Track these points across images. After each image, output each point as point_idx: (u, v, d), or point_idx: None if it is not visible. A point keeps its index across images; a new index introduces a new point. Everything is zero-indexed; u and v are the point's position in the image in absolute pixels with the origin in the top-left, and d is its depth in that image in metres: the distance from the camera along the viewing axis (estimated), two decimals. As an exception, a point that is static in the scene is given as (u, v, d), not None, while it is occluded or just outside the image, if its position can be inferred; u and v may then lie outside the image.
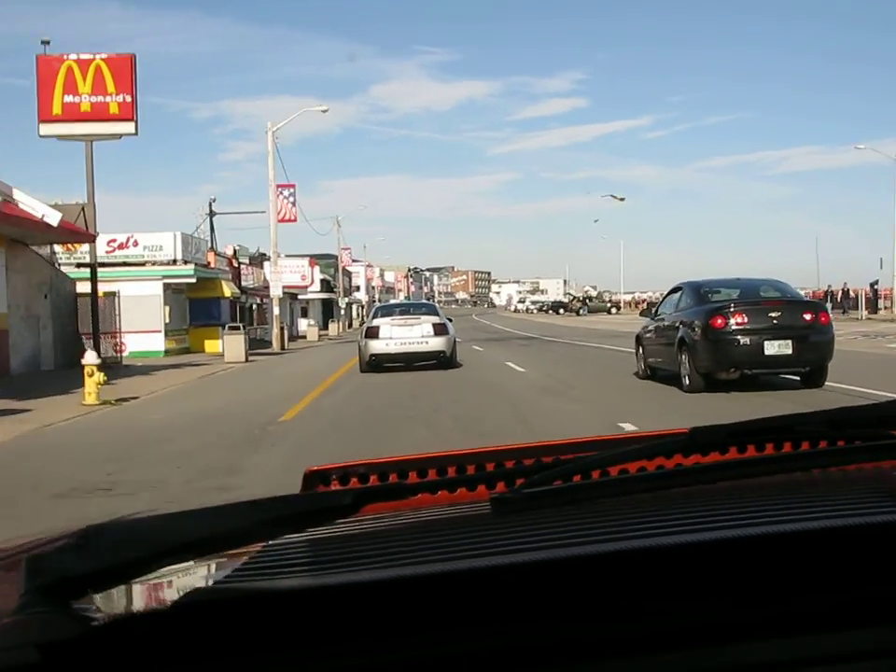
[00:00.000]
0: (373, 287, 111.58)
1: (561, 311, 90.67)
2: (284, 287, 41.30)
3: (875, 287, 44.67)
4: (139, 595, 0.82)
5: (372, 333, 18.22)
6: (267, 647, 0.70)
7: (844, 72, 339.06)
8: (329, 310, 66.81)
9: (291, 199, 39.60)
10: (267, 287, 42.51)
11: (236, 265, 42.85)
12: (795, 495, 1.05)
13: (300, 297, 58.85)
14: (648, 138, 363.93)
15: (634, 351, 15.25)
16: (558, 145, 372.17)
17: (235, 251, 43.97)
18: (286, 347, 32.97)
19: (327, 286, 68.57)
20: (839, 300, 44.52)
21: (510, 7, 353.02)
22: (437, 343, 18.12)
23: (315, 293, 63.81)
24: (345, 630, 0.72)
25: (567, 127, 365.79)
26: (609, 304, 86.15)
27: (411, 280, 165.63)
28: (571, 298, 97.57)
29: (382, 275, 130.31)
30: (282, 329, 33.81)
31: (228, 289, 37.69)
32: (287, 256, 48.99)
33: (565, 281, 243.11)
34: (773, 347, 11.58)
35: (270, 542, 0.95)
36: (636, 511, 0.99)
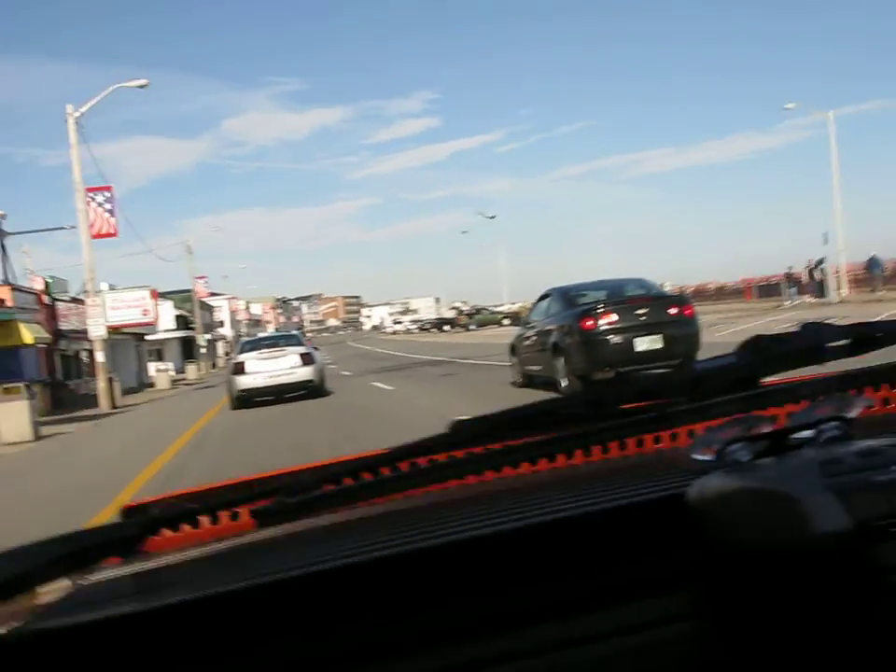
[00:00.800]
0: (239, 321, 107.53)
1: (446, 327, 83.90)
2: (118, 326, 36.26)
3: (822, 265, 37.81)
4: None
5: (239, 369, 18.33)
6: None
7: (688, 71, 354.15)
8: (188, 350, 61.00)
9: (108, 206, 29.15)
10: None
11: (48, 302, 33.82)
12: (568, 485, 1.09)
13: (148, 337, 51.42)
14: (502, 151, 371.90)
15: (509, 360, 15.47)
16: (415, 165, 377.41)
17: (47, 284, 35.21)
18: (117, 406, 26.11)
19: (184, 322, 63.70)
20: (804, 280, 38.46)
21: (352, 34, 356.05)
22: (305, 373, 18.33)
23: (169, 332, 58.78)
24: (156, 654, 0.76)
25: (423, 146, 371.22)
26: (500, 315, 75.21)
27: (279, 311, 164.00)
28: (458, 312, 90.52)
29: (248, 308, 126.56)
30: (110, 380, 26.56)
31: (29, 334, 29.05)
32: (122, 289, 41.42)
33: (436, 299, 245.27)
34: (643, 343, 11.90)
35: (72, 578, 0.94)
36: (400, 517, 1.06)
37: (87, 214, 28.06)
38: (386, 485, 0.97)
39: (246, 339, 25.51)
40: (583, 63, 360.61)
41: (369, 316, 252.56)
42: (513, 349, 15.15)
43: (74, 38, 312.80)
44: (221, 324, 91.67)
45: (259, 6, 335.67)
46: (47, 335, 30.92)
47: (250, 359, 18.34)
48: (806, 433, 0.90)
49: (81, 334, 32.42)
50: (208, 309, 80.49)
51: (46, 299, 33.62)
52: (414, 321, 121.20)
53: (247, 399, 17.94)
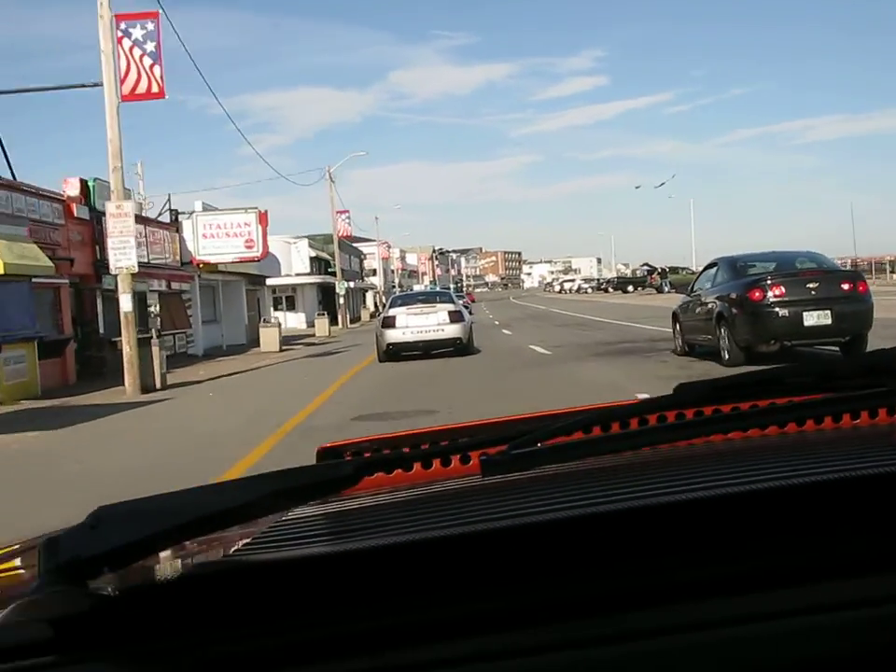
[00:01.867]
0: (392, 271, 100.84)
1: (630, 288, 76.46)
2: (211, 262, 29.05)
3: None
4: (153, 571, 0.86)
5: (389, 323, 18.94)
6: (278, 614, 0.75)
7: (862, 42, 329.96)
8: (330, 299, 53.05)
9: (150, 47, 16.98)
10: (193, 264, 28.88)
11: (85, 216, 21.76)
12: (787, 452, 1.09)
13: (271, 281, 41.60)
14: (670, 113, 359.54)
15: (671, 329, 15.64)
16: (581, 123, 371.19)
17: (87, 189, 22.09)
18: (157, 386, 16.51)
19: (324, 267, 56.48)
20: None
21: None
22: (453, 331, 18.82)
23: (301, 276, 51.57)
24: (351, 597, 0.76)
25: (589, 105, 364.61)
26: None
27: (436, 262, 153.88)
28: (649, 270, 79.42)
29: (403, 258, 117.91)
30: (147, 338, 16.98)
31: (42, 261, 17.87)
32: (219, 211, 30.80)
33: (598, 259, 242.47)
34: (812, 318, 11.88)
35: (276, 515, 1.00)
36: (624, 473, 1.07)
37: (114, 57, 17.02)
38: (613, 442, 0.94)
39: (398, 293, 26.67)
40: (757, 17, 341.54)
41: (529, 274, 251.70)
42: (676, 317, 15.28)
43: None
44: (373, 272, 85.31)
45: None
46: (49, 264, 18.36)
47: (400, 314, 18.93)
48: None
49: (157, 269, 25.96)
50: (356, 254, 73.61)
51: (77, 210, 21.47)
52: (587, 279, 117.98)
53: (394, 353, 18.66)
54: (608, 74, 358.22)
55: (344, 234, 49.30)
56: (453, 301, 20.20)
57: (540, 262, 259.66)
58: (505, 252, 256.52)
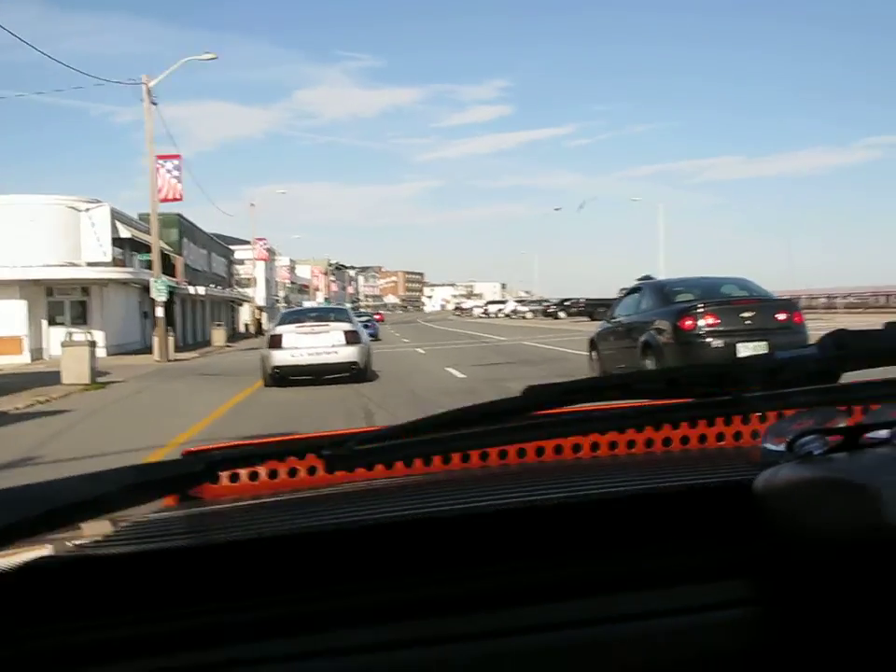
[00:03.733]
0: (278, 283, 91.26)
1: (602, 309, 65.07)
2: None
3: None
4: (15, 558, 0.84)
5: (275, 342, 16.97)
6: (125, 607, 0.78)
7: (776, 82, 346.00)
8: (167, 314, 33.57)
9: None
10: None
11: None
12: (633, 464, 1.16)
13: (21, 273, 30.20)
14: (571, 146, 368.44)
15: (588, 355, 14.84)
16: (484, 152, 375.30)
17: None
18: None
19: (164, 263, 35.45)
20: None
21: (430, 15, 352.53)
22: (348, 354, 16.97)
23: (103, 269, 33.14)
24: (193, 592, 0.79)
25: (492, 134, 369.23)
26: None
27: (332, 278, 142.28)
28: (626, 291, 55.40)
29: (293, 269, 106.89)
30: None
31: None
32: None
33: (503, 285, 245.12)
34: (747, 349, 11.11)
35: (132, 510, 0.99)
36: (470, 481, 1.09)
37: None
38: (452, 443, 0.98)
39: (288, 310, 24.29)
40: (660, 63, 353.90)
41: (430, 297, 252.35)
42: (593, 344, 14.48)
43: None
44: (252, 282, 73.00)
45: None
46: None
47: (289, 333, 16.95)
48: (882, 433, 0.90)
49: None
50: (220, 252, 61.65)
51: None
52: (523, 300, 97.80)
53: (281, 378, 16.72)
54: (511, 104, 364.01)
55: (173, 197, 31.92)
56: (349, 320, 18.31)
57: (443, 285, 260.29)
58: (406, 272, 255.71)
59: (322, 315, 18.82)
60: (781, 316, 11.57)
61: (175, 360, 28.93)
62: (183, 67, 30.82)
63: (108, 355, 30.99)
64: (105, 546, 0.91)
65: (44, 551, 0.89)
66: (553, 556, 0.84)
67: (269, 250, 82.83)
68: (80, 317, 33.37)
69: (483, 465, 1.24)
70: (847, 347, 0.97)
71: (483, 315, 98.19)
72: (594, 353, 14.41)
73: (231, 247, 68.91)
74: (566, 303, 69.14)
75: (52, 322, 32.57)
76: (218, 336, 43.03)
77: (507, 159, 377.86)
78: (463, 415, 0.97)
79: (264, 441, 1.33)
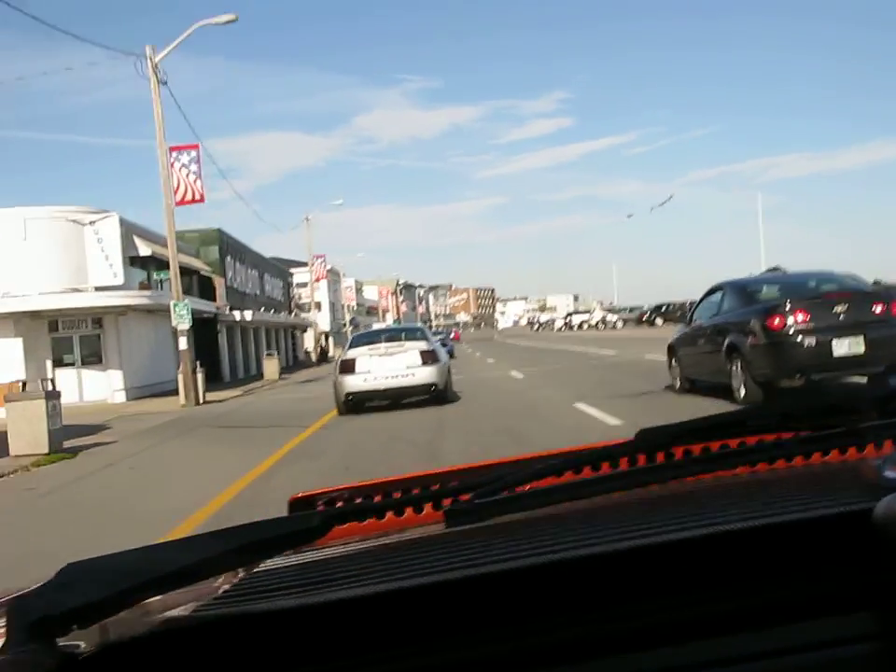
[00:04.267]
0: (345, 307, 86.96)
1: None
2: None
3: None
4: (122, 628, 0.83)
5: (348, 367, 15.96)
6: (250, 669, 0.78)
7: (835, 74, 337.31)
8: (207, 345, 34.38)
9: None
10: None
11: None
12: (745, 495, 1.11)
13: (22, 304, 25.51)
14: (632, 154, 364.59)
15: (666, 362, 14.16)
16: (544, 165, 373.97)
17: None
18: None
19: (200, 287, 37.91)
20: None
21: (488, 33, 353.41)
22: (426, 375, 15.84)
23: (115, 294, 27.11)
24: (326, 648, 0.79)
25: (553, 147, 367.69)
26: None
27: (400, 298, 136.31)
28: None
29: (359, 290, 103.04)
30: None
31: None
32: None
33: (575, 297, 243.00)
34: (842, 346, 10.38)
35: (246, 569, 1.01)
36: (585, 518, 1.07)
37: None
38: (571, 490, 1.00)
39: (360, 332, 23.05)
40: (718, 69, 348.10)
41: (503, 312, 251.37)
42: (672, 350, 13.80)
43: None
44: (317, 306, 69.64)
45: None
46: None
47: (361, 356, 15.95)
48: None
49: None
50: (276, 273, 57.61)
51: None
52: (611, 309, 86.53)
53: (356, 405, 15.76)
54: (569, 115, 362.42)
55: (192, 198, 24.99)
56: (426, 338, 17.04)
57: (515, 300, 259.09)
58: (477, 289, 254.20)
59: (396, 336, 17.77)
60: (878, 309, 10.74)
61: (208, 403, 24.07)
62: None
63: (129, 399, 27.04)
64: (219, 606, 0.90)
65: (163, 614, 0.89)
66: (679, 594, 0.83)
67: (331, 271, 77.54)
68: (94, 355, 27.86)
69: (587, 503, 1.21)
70: None
71: (566, 328, 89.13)
72: (673, 359, 13.76)
73: (292, 270, 64.78)
74: (663, 308, 64.69)
75: (59, 363, 27.13)
76: (271, 367, 37.29)
77: (568, 171, 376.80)
78: (576, 461, 1.00)
79: (376, 483, 1.34)
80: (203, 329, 34.35)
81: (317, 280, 58.77)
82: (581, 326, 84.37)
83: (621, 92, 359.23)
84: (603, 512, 1.12)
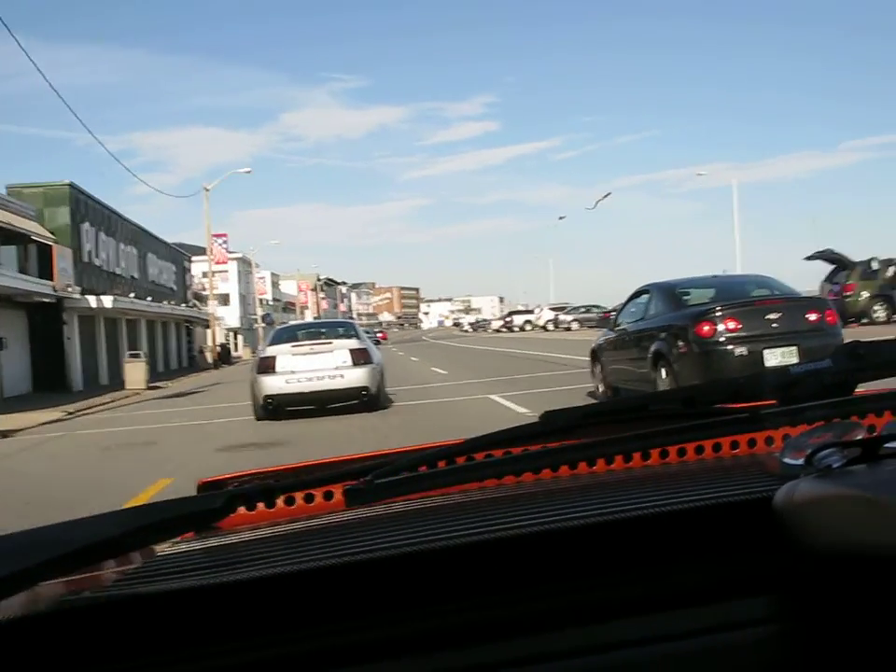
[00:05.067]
0: (256, 301, 77.67)
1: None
2: None
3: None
4: (17, 609, 0.83)
5: (267, 366, 14.02)
6: (149, 649, 0.79)
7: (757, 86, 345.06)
8: (46, 341, 28.11)
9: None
10: None
11: None
12: (654, 483, 1.15)
13: None
14: (558, 159, 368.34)
15: (590, 368, 13.56)
16: (470, 168, 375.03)
17: None
18: None
19: (41, 264, 27.94)
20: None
21: (418, 34, 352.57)
22: (357, 377, 13.98)
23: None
24: (223, 630, 0.80)
25: (479, 150, 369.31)
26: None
27: (322, 295, 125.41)
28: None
29: (276, 284, 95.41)
30: None
31: None
32: None
33: (500, 298, 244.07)
34: (775, 356, 9.80)
35: (151, 548, 1.03)
36: (486, 503, 1.11)
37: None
38: (473, 471, 1.03)
39: (281, 326, 20.24)
40: (645, 72, 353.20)
41: (426, 313, 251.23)
42: (595, 356, 13.18)
43: (130, 23, 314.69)
44: (223, 299, 62.77)
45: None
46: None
47: (283, 354, 14.10)
48: None
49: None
50: (167, 256, 46.57)
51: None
52: (565, 309, 66.57)
53: (275, 410, 13.85)
54: (496, 119, 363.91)
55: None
56: (356, 336, 15.07)
57: (439, 301, 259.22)
58: (402, 288, 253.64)
59: (323, 332, 15.92)
60: (812, 317, 10.23)
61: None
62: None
63: None
64: (122, 587, 0.91)
65: (61, 594, 0.88)
66: (575, 579, 0.85)
67: (242, 260, 71.49)
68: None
69: (499, 484, 1.24)
70: (862, 359, 1.02)
71: (505, 329, 77.79)
72: (596, 366, 13.15)
73: (194, 258, 54.61)
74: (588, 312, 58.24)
75: None
76: (135, 374, 28.21)
77: (494, 174, 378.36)
78: (481, 443, 1.02)
79: (283, 468, 1.37)
80: (42, 318, 27.94)
81: (218, 263, 51.61)
82: (523, 327, 73.76)
83: (548, 97, 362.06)
84: (508, 498, 1.14)
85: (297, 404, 13.92)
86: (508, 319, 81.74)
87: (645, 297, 11.87)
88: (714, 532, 0.87)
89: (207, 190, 45.42)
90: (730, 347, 9.89)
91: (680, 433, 1.06)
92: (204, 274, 53.67)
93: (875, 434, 0.92)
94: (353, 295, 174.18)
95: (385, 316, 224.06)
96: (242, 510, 1.22)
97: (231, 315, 66.33)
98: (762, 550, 0.85)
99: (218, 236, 52.33)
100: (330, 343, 14.55)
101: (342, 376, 13.95)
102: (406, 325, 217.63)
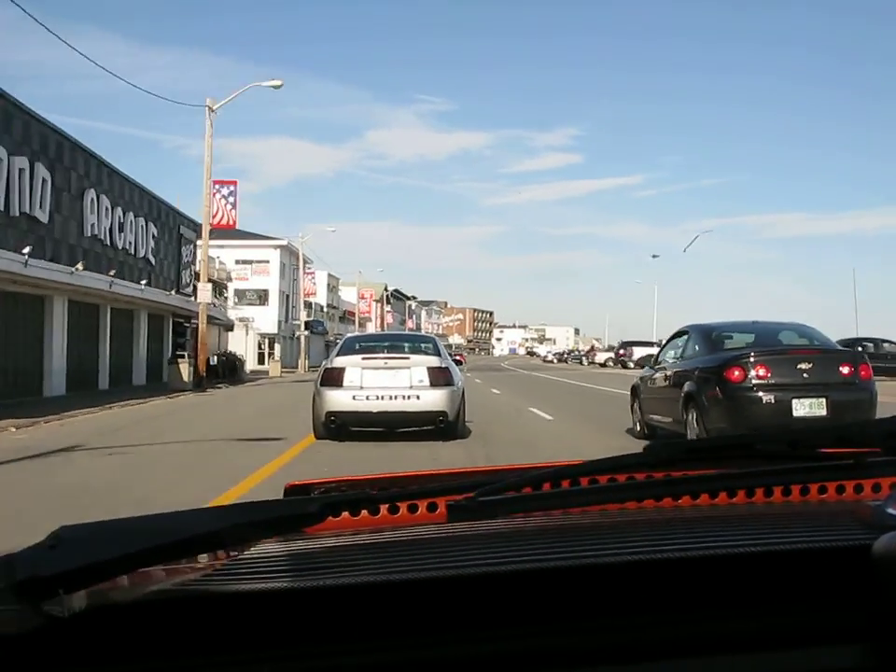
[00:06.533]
0: (302, 302, 58.64)
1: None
2: None
3: None
4: (109, 596, 0.86)
5: (333, 378, 12.77)
6: (234, 646, 0.81)
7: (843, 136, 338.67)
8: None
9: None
10: None
11: None
12: (755, 521, 1.19)
13: None
14: (639, 196, 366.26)
15: (629, 404, 13.97)
16: (550, 199, 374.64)
17: None
18: None
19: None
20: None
21: (509, 61, 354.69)
22: (434, 399, 12.60)
23: None
24: (309, 634, 0.82)
25: (560, 181, 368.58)
26: None
27: (388, 307, 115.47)
28: None
29: (333, 289, 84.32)
30: None
31: None
32: None
33: (576, 330, 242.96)
34: (803, 407, 10.14)
35: (240, 547, 1.04)
36: (588, 529, 1.13)
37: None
38: (578, 496, 1.04)
39: (352, 335, 18.73)
40: (728, 122, 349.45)
41: (499, 339, 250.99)
42: (635, 392, 13.57)
43: (223, 32, 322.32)
44: (262, 298, 55.12)
45: (415, 19, 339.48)
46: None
47: (352, 367, 12.79)
48: None
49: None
50: (162, 224, 33.58)
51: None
52: None
53: (339, 429, 12.69)
54: (581, 152, 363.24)
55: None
56: (438, 353, 13.71)
57: (513, 327, 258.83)
58: (475, 310, 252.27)
59: (400, 345, 14.69)
60: (845, 370, 10.51)
61: None
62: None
63: None
64: (209, 583, 0.94)
65: (152, 585, 0.92)
66: (667, 613, 0.85)
67: (288, 249, 56.16)
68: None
69: (601, 510, 1.24)
70: None
71: (613, 364, 64.15)
72: (636, 402, 13.56)
73: (223, 241, 43.00)
74: None
75: None
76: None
77: (574, 206, 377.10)
78: (586, 468, 1.03)
79: (374, 478, 1.39)
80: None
81: (219, 227, 33.42)
82: (642, 363, 51.41)
83: (632, 135, 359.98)
84: (609, 526, 1.16)
85: (364, 424, 12.84)
86: (622, 352, 63.08)
87: (684, 338, 12.27)
88: (811, 576, 0.88)
89: (212, 110, 30.64)
90: (759, 394, 10.21)
91: (783, 475, 1.07)
92: (236, 262, 46.82)
93: None
94: (423, 312, 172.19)
95: (456, 339, 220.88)
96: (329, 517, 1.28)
97: (266, 319, 54.84)
98: (859, 598, 0.86)
99: (223, 184, 33.20)
100: (408, 358, 13.23)
101: (417, 397, 12.63)
102: (477, 349, 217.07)
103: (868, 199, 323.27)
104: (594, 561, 0.89)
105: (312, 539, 1.17)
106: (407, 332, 33.90)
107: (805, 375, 10.35)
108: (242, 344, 46.21)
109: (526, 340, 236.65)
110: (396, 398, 12.62)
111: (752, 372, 10.33)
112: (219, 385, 32.57)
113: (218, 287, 44.35)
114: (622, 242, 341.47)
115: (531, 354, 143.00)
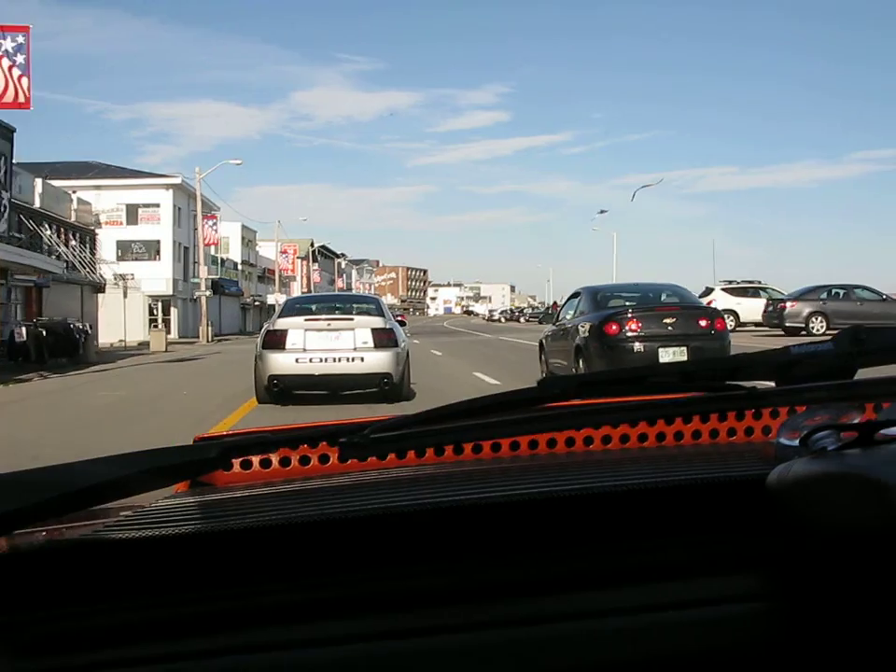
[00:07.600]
0: (202, 255, 48.52)
1: None
2: None
3: None
4: (18, 544, 0.91)
5: (275, 341, 12.86)
6: (142, 591, 0.84)
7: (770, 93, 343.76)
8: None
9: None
10: None
11: None
12: (650, 459, 1.29)
13: None
14: (568, 153, 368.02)
15: (538, 356, 16.40)
16: (479, 158, 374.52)
17: None
18: None
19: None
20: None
21: (432, 20, 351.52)
22: (378, 361, 12.70)
23: None
24: (216, 576, 0.86)
25: (488, 140, 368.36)
26: None
27: (316, 266, 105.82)
28: None
29: (248, 243, 74.92)
30: None
31: None
32: None
33: (512, 287, 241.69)
34: (667, 354, 12.58)
35: (144, 498, 1.09)
36: (486, 470, 1.23)
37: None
38: (464, 433, 1.02)
39: (295, 297, 18.20)
40: (657, 61, 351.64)
41: (433, 298, 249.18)
42: (542, 346, 16.02)
43: None
44: (149, 249, 46.14)
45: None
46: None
47: (295, 328, 12.88)
48: None
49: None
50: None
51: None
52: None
53: (281, 393, 12.75)
54: (508, 110, 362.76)
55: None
56: (381, 314, 13.72)
57: (448, 285, 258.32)
58: (408, 268, 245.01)
59: (343, 306, 14.78)
60: (703, 323, 13.09)
61: None
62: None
63: None
64: (117, 530, 0.95)
65: (57, 534, 0.97)
66: (561, 549, 0.89)
67: (181, 189, 47.46)
68: None
69: (494, 457, 1.34)
70: (863, 343, 1.01)
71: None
72: (542, 355, 16.01)
73: (118, 181, 39.98)
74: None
75: None
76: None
77: (503, 165, 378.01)
78: (476, 405, 0.98)
79: (278, 428, 1.39)
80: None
81: (6, 104, 21.97)
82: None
83: (560, 87, 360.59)
84: (500, 470, 1.24)
85: (307, 387, 12.88)
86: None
87: (578, 298, 14.73)
88: (708, 509, 0.91)
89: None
90: (631, 344, 12.73)
91: (677, 406, 1.09)
92: (118, 206, 37.94)
93: (870, 419, 0.98)
94: (353, 272, 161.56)
95: (389, 299, 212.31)
96: (237, 468, 1.32)
97: (158, 276, 44.99)
98: (755, 528, 0.89)
99: (5, 30, 21.49)
100: (351, 319, 13.32)
101: (362, 359, 12.72)
102: (412, 309, 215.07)
103: (789, 154, 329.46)
104: (484, 499, 0.94)
105: (215, 492, 1.24)
106: (351, 293, 30.23)
107: (669, 328, 12.88)
108: (120, 310, 36.84)
109: (462, 298, 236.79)
110: (339, 360, 12.70)
111: (626, 327, 12.83)
112: (43, 374, 22.28)
113: (81, 235, 36.60)
114: (551, 199, 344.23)
115: (468, 313, 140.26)
